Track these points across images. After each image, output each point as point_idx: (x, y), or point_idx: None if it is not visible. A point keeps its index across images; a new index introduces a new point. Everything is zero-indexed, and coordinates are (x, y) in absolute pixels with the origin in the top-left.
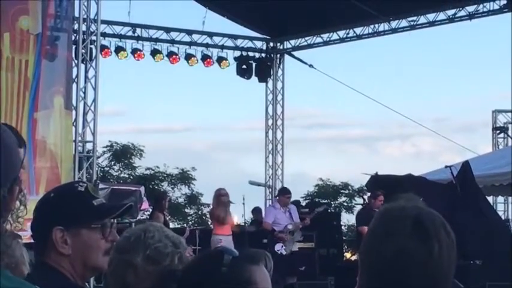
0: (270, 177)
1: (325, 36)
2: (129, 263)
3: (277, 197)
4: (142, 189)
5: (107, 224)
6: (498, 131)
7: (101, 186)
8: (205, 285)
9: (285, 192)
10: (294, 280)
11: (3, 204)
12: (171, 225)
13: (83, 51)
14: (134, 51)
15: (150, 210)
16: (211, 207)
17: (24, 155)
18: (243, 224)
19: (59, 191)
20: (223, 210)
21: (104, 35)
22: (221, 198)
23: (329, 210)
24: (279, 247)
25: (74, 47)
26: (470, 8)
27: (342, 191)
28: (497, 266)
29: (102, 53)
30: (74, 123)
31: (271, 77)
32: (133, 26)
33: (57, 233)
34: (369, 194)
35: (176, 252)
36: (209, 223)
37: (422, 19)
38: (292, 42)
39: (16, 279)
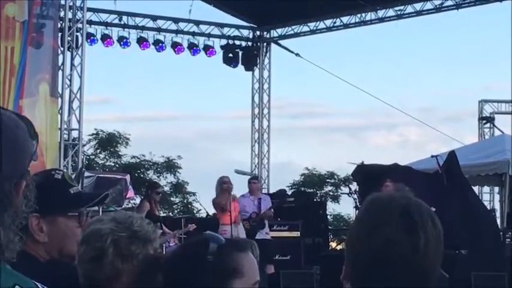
0: (256, 166)
1: (312, 25)
2: (78, 245)
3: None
4: (128, 177)
5: (83, 212)
6: (484, 121)
7: (86, 174)
8: (190, 274)
9: (250, 178)
10: (272, 269)
11: (8, 199)
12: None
13: (69, 38)
14: (120, 39)
15: (136, 198)
16: (216, 196)
17: (36, 147)
18: None
19: (35, 179)
20: (225, 198)
21: (90, 22)
22: (223, 185)
23: (315, 200)
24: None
25: (59, 34)
26: None
27: (328, 180)
28: (482, 255)
29: (88, 40)
30: (60, 111)
31: (258, 66)
32: (120, 14)
33: (32, 220)
34: (355, 183)
35: (114, 235)
36: (194, 212)
37: (409, 8)
38: (279, 31)
39: (16, 274)
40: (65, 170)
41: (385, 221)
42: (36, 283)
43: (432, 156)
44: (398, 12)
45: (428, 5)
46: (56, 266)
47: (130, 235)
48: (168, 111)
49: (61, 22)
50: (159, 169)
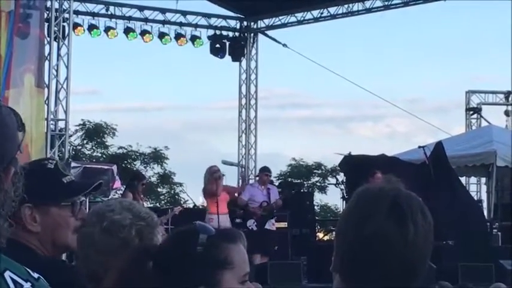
0: (243, 156)
1: (299, 15)
2: (89, 237)
3: (258, 176)
4: (114, 168)
5: (76, 202)
6: (471, 112)
7: (73, 164)
8: (180, 265)
9: (263, 170)
10: (266, 260)
11: None
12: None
13: (56, 28)
14: (107, 29)
15: (123, 189)
16: (204, 185)
17: (23, 138)
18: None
19: (28, 168)
20: (215, 186)
21: (77, 12)
22: (214, 174)
23: (302, 190)
24: (250, 223)
25: (46, 24)
26: None
27: (315, 171)
28: (469, 246)
29: (75, 30)
30: (46, 102)
31: (245, 57)
32: (107, 4)
33: (26, 210)
34: (342, 174)
35: (135, 225)
36: (181, 202)
37: None
38: (266, 21)
39: (6, 259)
40: (57, 159)
41: (375, 212)
42: (27, 269)
43: (419, 147)
44: (386, 3)
45: None
46: (56, 264)
47: (147, 224)
48: (155, 101)
49: (47, 12)
50: (146, 160)
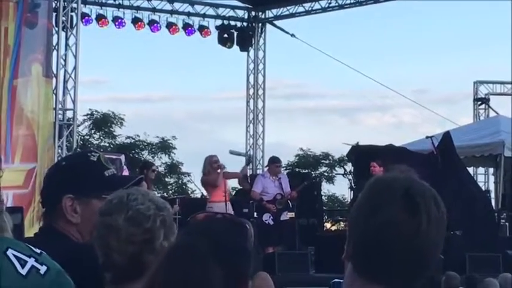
0: (250, 146)
1: (307, 5)
2: (111, 225)
3: (267, 166)
4: (122, 157)
5: None
6: (479, 102)
7: None
8: (241, 260)
9: (274, 160)
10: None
11: None
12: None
13: (64, 18)
14: (115, 19)
15: None
16: (203, 174)
17: None
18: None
19: (71, 160)
20: (216, 175)
21: (85, 2)
22: (214, 164)
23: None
24: (266, 217)
25: (54, 14)
26: None
27: (322, 161)
28: (477, 236)
29: (83, 20)
30: (54, 91)
31: (253, 46)
32: None
33: (67, 201)
34: (350, 163)
35: (158, 215)
36: (189, 192)
37: None
38: (274, 11)
39: (7, 239)
40: (100, 152)
41: (387, 202)
42: (30, 246)
43: (427, 137)
44: None
45: None
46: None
47: (167, 214)
48: (163, 91)
49: (55, 2)
50: (153, 149)
